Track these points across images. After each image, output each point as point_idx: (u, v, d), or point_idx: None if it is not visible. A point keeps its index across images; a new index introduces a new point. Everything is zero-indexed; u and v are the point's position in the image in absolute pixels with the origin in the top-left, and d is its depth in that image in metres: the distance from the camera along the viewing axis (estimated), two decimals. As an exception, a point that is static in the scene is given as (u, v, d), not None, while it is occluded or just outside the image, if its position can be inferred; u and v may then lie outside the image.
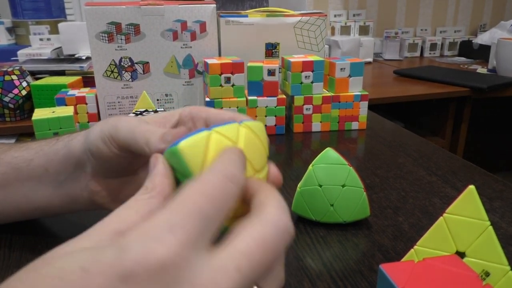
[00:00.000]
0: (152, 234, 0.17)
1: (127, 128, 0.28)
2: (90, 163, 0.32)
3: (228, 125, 0.24)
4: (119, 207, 0.20)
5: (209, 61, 0.63)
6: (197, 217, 0.18)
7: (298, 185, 0.39)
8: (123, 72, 0.69)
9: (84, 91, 0.70)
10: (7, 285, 0.17)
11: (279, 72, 0.68)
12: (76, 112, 0.68)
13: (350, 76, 0.68)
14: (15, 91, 0.90)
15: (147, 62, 0.69)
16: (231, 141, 0.24)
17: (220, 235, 0.20)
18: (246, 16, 0.72)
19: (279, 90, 0.67)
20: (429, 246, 0.28)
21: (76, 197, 0.34)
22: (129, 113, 0.68)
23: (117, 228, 0.19)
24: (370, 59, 1.90)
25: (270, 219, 0.20)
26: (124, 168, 0.32)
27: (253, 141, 0.25)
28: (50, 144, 0.34)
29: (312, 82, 0.66)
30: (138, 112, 0.54)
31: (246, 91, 0.67)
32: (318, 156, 0.39)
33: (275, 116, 0.67)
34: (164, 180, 0.22)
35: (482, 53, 1.90)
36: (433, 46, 2.10)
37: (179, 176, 0.23)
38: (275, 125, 0.67)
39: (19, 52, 1.20)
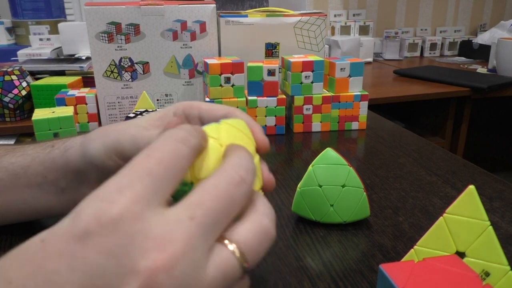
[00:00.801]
0: (101, 197, 0.18)
1: (130, 141, 0.28)
2: (94, 172, 0.31)
3: (207, 126, 0.25)
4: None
5: (209, 61, 0.63)
6: (146, 177, 0.19)
7: (298, 185, 0.39)
8: (123, 72, 0.69)
9: (84, 91, 0.70)
10: None
11: (279, 72, 0.68)
12: (76, 112, 0.68)
13: (350, 76, 0.68)
14: (15, 91, 0.90)
15: (147, 62, 0.69)
16: (212, 138, 0.24)
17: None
18: (246, 16, 0.72)
19: (279, 90, 0.67)
20: (429, 246, 0.28)
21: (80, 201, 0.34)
22: (129, 113, 0.68)
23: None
24: (370, 59, 1.90)
25: (224, 173, 0.21)
26: None
27: (234, 133, 0.25)
28: (45, 150, 0.34)
29: (312, 82, 0.66)
30: (138, 112, 0.54)
31: (246, 91, 0.67)
32: (318, 156, 0.39)
33: (275, 116, 0.67)
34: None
35: (482, 53, 1.90)
36: (433, 46, 2.10)
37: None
38: (275, 125, 0.67)
39: (19, 52, 1.20)
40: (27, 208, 0.35)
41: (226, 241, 0.20)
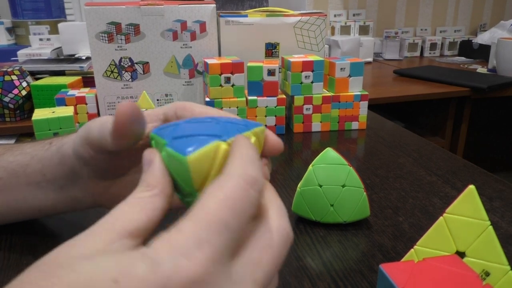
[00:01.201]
0: (181, 250, 0.17)
1: (98, 128, 0.28)
2: (84, 168, 0.31)
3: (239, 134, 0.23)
4: (120, 204, 0.20)
5: (209, 61, 0.63)
6: (222, 230, 0.18)
7: (298, 185, 0.39)
8: (123, 72, 0.69)
9: (84, 91, 0.70)
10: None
11: (279, 72, 0.68)
12: (76, 112, 0.68)
13: (350, 76, 0.68)
14: (15, 91, 0.90)
15: (147, 62, 0.69)
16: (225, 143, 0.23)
17: None
18: (246, 16, 0.72)
19: (279, 90, 0.67)
20: (429, 246, 0.28)
21: (79, 199, 0.34)
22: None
23: (126, 228, 0.19)
24: (370, 59, 1.90)
25: (275, 228, 0.21)
26: (116, 170, 0.32)
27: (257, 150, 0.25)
28: (44, 148, 0.34)
29: (312, 82, 0.66)
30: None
31: (246, 91, 0.67)
32: (318, 156, 0.39)
33: (275, 116, 0.67)
34: (165, 178, 0.22)
35: (482, 53, 1.90)
36: (433, 46, 2.10)
37: (175, 176, 0.23)
38: (275, 125, 0.67)
39: (19, 52, 1.20)
40: (27, 207, 0.35)
41: None
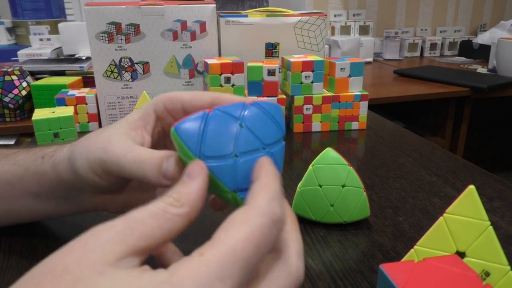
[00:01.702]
0: (206, 284, 0.17)
1: (115, 162, 0.27)
2: (87, 186, 0.30)
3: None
4: (139, 210, 0.20)
5: (209, 61, 0.63)
6: (244, 266, 0.18)
7: (298, 185, 0.39)
8: (123, 72, 0.69)
9: (84, 91, 0.70)
10: None
11: (279, 72, 0.68)
12: (76, 112, 0.68)
13: (350, 76, 0.68)
14: (15, 91, 0.90)
15: (147, 62, 0.69)
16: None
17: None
18: (246, 16, 0.72)
19: (279, 90, 0.67)
20: (429, 246, 0.28)
21: (81, 207, 0.33)
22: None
23: (140, 244, 0.19)
24: (370, 59, 1.90)
25: (294, 269, 0.22)
26: (125, 184, 0.31)
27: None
28: (36, 162, 0.32)
29: (312, 82, 0.66)
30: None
31: (246, 91, 0.67)
32: (318, 156, 0.39)
33: (275, 116, 0.66)
34: (200, 201, 0.21)
35: (482, 53, 1.90)
36: (433, 46, 2.10)
37: (181, 154, 0.24)
38: (275, 125, 0.67)
39: (19, 52, 1.20)
40: (27, 213, 0.35)
41: None
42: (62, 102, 0.66)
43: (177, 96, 0.29)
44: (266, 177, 0.23)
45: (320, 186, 0.38)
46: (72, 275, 0.17)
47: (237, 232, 0.19)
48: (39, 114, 0.53)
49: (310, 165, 0.39)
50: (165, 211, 0.20)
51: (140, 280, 0.17)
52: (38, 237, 0.38)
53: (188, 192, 0.21)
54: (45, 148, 0.33)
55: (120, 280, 0.17)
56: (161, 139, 0.31)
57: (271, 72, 0.65)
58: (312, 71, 0.66)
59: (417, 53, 2.09)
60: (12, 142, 0.95)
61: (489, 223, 0.26)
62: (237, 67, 0.63)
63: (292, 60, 0.65)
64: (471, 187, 0.26)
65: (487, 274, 0.27)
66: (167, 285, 0.17)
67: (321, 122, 0.69)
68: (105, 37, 0.66)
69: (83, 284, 0.17)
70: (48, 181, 0.32)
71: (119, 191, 0.31)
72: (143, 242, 0.19)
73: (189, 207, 0.21)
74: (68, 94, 0.68)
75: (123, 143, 0.27)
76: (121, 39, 0.67)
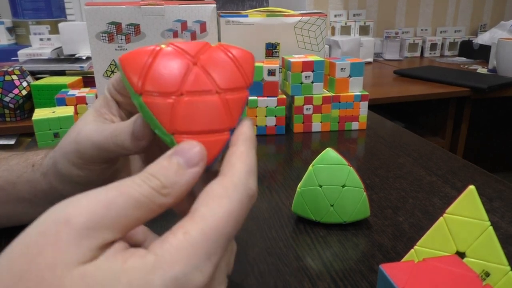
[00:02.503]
0: (194, 263, 0.18)
1: (90, 145, 0.27)
2: (77, 188, 0.29)
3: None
4: (123, 192, 0.19)
5: (209, 61, 0.63)
6: (226, 241, 0.19)
7: (298, 185, 0.39)
8: (123, 72, 0.68)
9: (84, 91, 0.70)
10: None
11: (279, 72, 0.68)
12: (76, 112, 0.68)
13: (350, 76, 0.68)
14: (15, 91, 0.90)
15: (147, 62, 0.69)
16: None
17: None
18: (246, 16, 0.72)
19: (279, 90, 0.67)
20: (429, 246, 0.28)
21: None
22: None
23: (118, 235, 0.18)
24: (370, 59, 1.90)
25: (238, 191, 0.20)
26: (109, 172, 0.30)
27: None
28: (27, 169, 0.32)
29: (312, 82, 0.66)
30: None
31: (246, 91, 0.67)
32: (318, 156, 0.39)
33: (275, 116, 0.67)
34: (185, 193, 0.20)
35: (482, 53, 1.90)
36: (433, 46, 2.10)
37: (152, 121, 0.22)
38: (275, 125, 0.67)
39: (19, 52, 1.21)
40: (24, 218, 0.34)
41: None
42: (62, 102, 0.66)
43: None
44: (244, 145, 0.22)
45: (320, 186, 0.38)
46: (50, 284, 0.16)
47: (219, 208, 0.19)
48: (39, 114, 0.53)
49: (310, 165, 0.39)
50: (150, 201, 0.19)
51: (125, 268, 0.17)
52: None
53: (179, 182, 0.20)
54: (35, 155, 0.33)
55: (105, 276, 0.17)
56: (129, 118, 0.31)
57: (271, 72, 0.65)
58: (312, 71, 0.66)
59: (417, 53, 2.09)
60: (12, 142, 0.95)
61: (489, 223, 0.26)
62: (237, 67, 0.63)
63: (292, 60, 0.65)
64: (471, 187, 0.26)
65: (487, 274, 0.27)
66: (158, 270, 0.17)
67: (321, 122, 0.69)
68: (105, 37, 0.66)
69: None
70: (41, 189, 0.32)
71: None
72: (122, 233, 0.18)
73: (173, 199, 0.20)
74: (68, 94, 0.68)
75: (95, 127, 0.27)
76: (121, 39, 0.67)
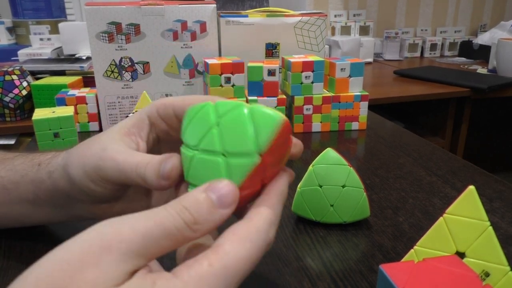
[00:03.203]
0: None
1: (112, 167, 0.27)
2: (84, 195, 0.30)
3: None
4: (155, 223, 0.20)
5: (209, 61, 0.63)
6: (240, 279, 0.20)
7: (298, 186, 0.39)
8: (123, 72, 0.69)
9: (84, 91, 0.71)
10: None
11: (279, 72, 0.68)
12: (76, 112, 0.68)
13: (350, 76, 0.68)
14: (16, 91, 0.90)
15: (147, 62, 0.69)
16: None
17: None
18: (246, 16, 0.72)
19: (279, 90, 0.67)
20: (429, 246, 0.28)
21: (78, 216, 0.33)
22: (128, 113, 0.68)
23: (148, 262, 0.20)
24: (370, 59, 1.90)
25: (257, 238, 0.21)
26: (121, 192, 0.30)
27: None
28: (33, 169, 0.32)
29: (312, 82, 0.66)
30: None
31: (246, 91, 0.67)
32: (318, 157, 0.39)
33: (275, 116, 0.66)
34: (213, 230, 0.22)
35: (482, 53, 1.90)
36: (433, 46, 2.10)
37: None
38: (275, 125, 0.67)
39: (19, 52, 1.21)
40: (25, 219, 0.34)
41: None
42: (62, 102, 0.66)
43: (169, 101, 0.29)
44: (276, 197, 0.24)
45: (320, 186, 0.38)
46: None
47: (242, 249, 0.20)
48: (39, 114, 0.53)
49: (310, 165, 0.39)
50: (181, 234, 0.20)
51: None
52: (38, 237, 0.38)
53: (209, 220, 0.21)
54: (43, 155, 0.33)
55: None
56: (155, 146, 0.31)
57: (271, 72, 0.65)
58: (312, 71, 0.66)
59: (417, 54, 2.09)
60: (12, 142, 0.95)
61: (489, 223, 0.26)
62: (237, 67, 0.63)
63: (292, 60, 0.65)
64: (471, 187, 0.26)
65: (487, 274, 0.27)
66: None
67: (321, 122, 0.69)
68: (105, 37, 0.66)
69: None
70: (45, 189, 0.31)
71: (115, 200, 0.31)
72: (151, 259, 0.20)
73: (200, 235, 0.21)
74: (68, 94, 0.68)
75: (121, 149, 0.27)
76: (121, 39, 0.67)
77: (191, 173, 0.24)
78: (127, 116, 0.49)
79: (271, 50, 0.74)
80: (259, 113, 0.23)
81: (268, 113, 0.23)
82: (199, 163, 0.24)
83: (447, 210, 0.27)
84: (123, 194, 0.31)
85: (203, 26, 0.69)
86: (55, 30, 1.38)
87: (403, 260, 0.29)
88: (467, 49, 2.05)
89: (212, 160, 0.23)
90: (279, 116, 0.23)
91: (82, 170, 0.28)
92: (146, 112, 0.29)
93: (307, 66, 0.65)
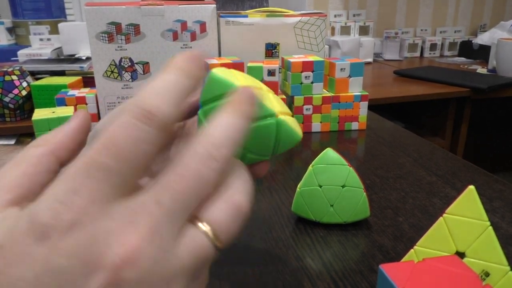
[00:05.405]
0: (58, 198, 0.17)
1: None
2: None
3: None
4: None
5: (209, 61, 0.63)
6: (100, 173, 0.17)
7: (298, 186, 0.39)
8: (123, 72, 0.69)
9: (84, 91, 0.70)
10: None
11: (279, 73, 0.68)
12: (76, 112, 0.67)
13: (350, 76, 0.68)
14: (15, 91, 0.90)
15: (147, 63, 0.69)
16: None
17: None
18: (246, 16, 0.72)
19: (279, 90, 0.67)
20: (429, 246, 0.28)
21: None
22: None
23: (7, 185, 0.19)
24: (370, 59, 1.90)
25: (192, 150, 0.19)
26: None
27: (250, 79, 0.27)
28: None
29: (312, 83, 0.66)
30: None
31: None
32: (318, 157, 0.39)
33: (275, 116, 0.66)
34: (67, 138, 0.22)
35: (482, 53, 1.90)
36: (433, 46, 2.10)
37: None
38: (275, 125, 0.67)
39: (19, 52, 1.20)
40: None
41: (198, 222, 0.19)
42: (62, 102, 0.66)
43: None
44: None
45: (320, 186, 0.38)
46: None
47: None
48: (39, 114, 0.53)
49: (310, 165, 0.39)
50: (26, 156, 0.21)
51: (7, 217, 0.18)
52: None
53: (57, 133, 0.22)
54: None
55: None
56: None
57: (271, 73, 0.65)
58: (312, 71, 0.66)
59: (417, 54, 2.09)
60: (12, 142, 0.95)
61: (489, 223, 0.26)
62: (237, 67, 0.63)
63: (292, 60, 0.65)
64: (471, 187, 0.26)
65: (487, 274, 0.27)
66: (23, 211, 0.18)
67: (321, 122, 0.69)
68: (105, 37, 0.66)
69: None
70: None
71: None
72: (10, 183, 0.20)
73: (52, 144, 0.22)
74: (68, 94, 0.68)
75: None
76: (121, 39, 0.67)
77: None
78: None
79: (271, 50, 0.74)
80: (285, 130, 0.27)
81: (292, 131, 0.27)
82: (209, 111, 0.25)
83: (447, 210, 0.27)
84: None
85: (203, 26, 0.69)
86: (55, 31, 1.38)
87: (403, 260, 0.29)
88: (467, 49, 2.05)
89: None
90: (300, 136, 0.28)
91: None
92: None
93: (307, 66, 0.65)
